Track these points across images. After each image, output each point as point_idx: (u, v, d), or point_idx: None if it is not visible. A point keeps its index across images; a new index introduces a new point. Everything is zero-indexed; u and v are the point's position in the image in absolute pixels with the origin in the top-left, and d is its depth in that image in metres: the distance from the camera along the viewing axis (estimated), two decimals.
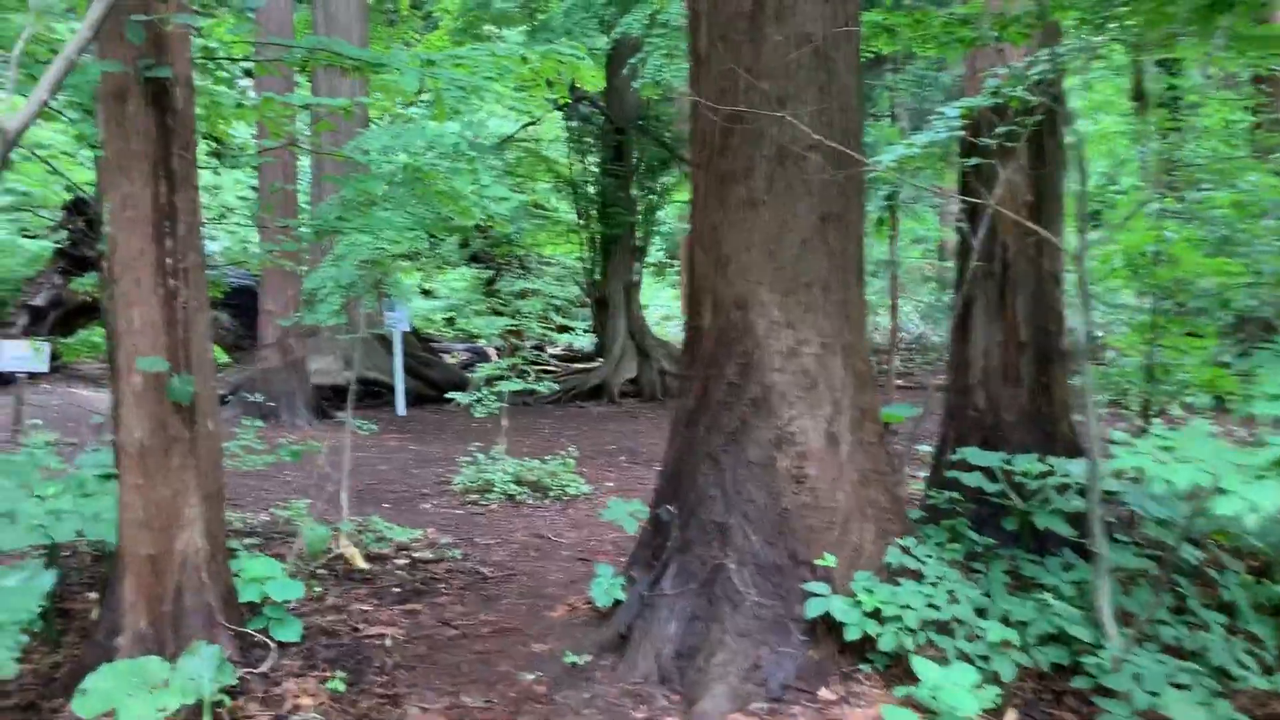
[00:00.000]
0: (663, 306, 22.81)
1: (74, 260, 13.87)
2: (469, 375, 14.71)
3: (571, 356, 19.13)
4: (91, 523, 4.01)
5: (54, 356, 13.13)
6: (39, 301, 13.38)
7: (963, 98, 4.54)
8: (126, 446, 3.47)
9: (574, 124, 15.68)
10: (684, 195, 16.35)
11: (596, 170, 15.14)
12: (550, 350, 19.43)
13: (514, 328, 8.61)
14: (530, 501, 7.44)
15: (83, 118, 4.89)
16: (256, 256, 16.18)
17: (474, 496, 7.57)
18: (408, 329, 13.58)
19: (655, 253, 23.05)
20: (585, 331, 21.26)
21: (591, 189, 15.26)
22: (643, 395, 14.88)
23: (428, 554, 5.65)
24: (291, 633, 3.94)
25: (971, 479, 4.18)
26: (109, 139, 3.42)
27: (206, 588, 3.52)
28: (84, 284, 13.09)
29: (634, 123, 15.05)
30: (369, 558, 5.46)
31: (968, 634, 3.49)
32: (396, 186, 11.71)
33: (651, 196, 15.42)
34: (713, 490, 3.72)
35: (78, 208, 13.47)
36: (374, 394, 14.74)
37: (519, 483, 7.79)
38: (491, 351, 17.95)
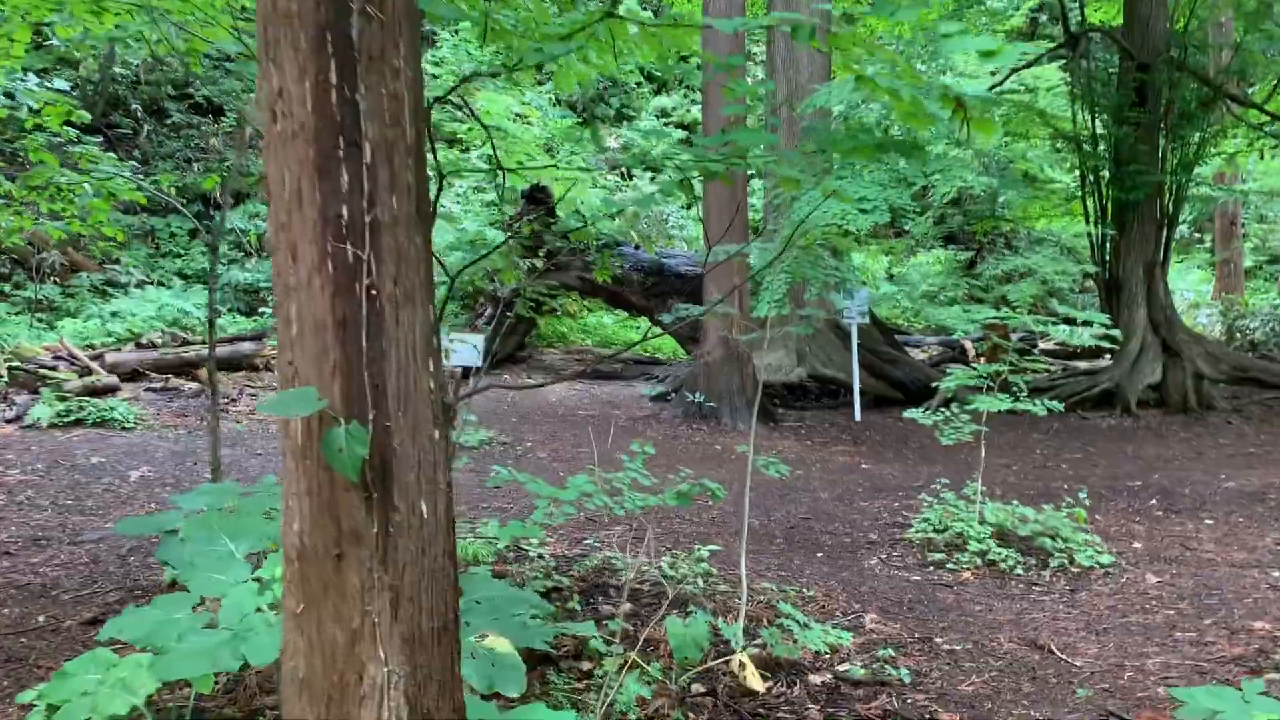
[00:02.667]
0: (1188, 291, 18.54)
1: (536, 251, 13.76)
2: (939, 376, 12.45)
3: (1069, 353, 15.95)
4: None
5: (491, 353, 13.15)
6: (504, 293, 13.38)
7: None
8: (285, 545, 1.96)
9: (1082, 64, 12.65)
10: (1228, 146, 12.61)
11: (1109, 121, 12.03)
12: (1041, 345, 16.40)
13: (997, 319, 6.34)
14: (1020, 573, 5.18)
15: None
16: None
17: (937, 555, 5.46)
18: (867, 320, 11.66)
19: (1180, 223, 18.84)
20: (1084, 323, 17.84)
21: (1102, 145, 12.18)
22: (1168, 406, 11.58)
23: (859, 670, 3.71)
24: None
25: None
26: None
27: None
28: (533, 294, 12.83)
29: (1163, 56, 11.73)
30: (769, 666, 3.66)
31: None
32: (856, 145, 9.72)
33: (1186, 149, 11.98)
34: None
35: (535, 196, 13.27)
36: (830, 393, 13.03)
37: (1002, 539, 5.56)
38: (968, 346, 15.43)
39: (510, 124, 20.57)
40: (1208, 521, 6.53)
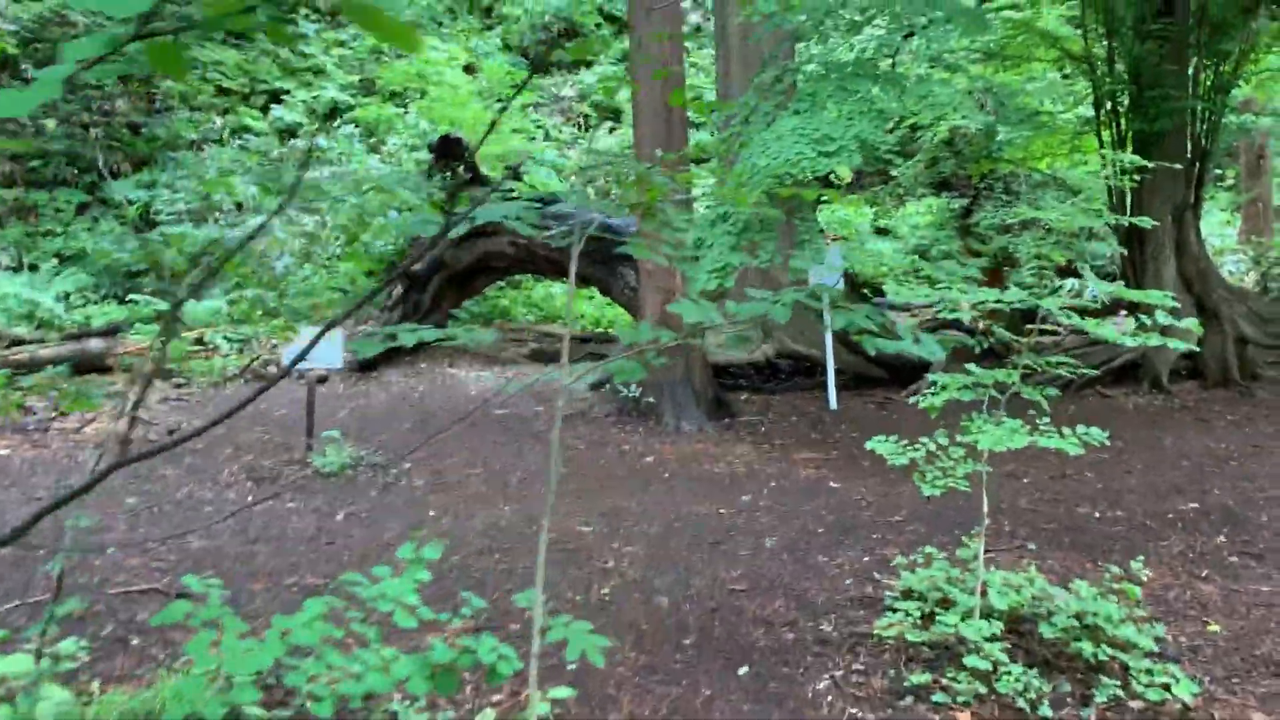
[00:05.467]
0: (1212, 236, 16.50)
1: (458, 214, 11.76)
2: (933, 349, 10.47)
3: (1079, 311, 13.95)
4: None
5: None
6: (418, 267, 11.38)
7: None
8: None
9: None
10: (1269, 62, 10.54)
11: (1128, 36, 9.94)
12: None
13: (1002, 304, 4.39)
14: (1047, 715, 3.27)
15: None
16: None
17: (919, 677, 3.54)
18: (841, 285, 9.68)
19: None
20: (1102, 276, 15.80)
21: (1120, 66, 10.12)
22: (1205, 378, 9.66)
23: None
24: None
25: None
26: None
27: None
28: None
29: None
30: None
31: None
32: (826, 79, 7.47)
33: (1222, 69, 9.93)
34: None
35: (446, 147, 11.23)
36: (805, 370, 11.09)
37: (1018, 638, 3.66)
38: (964, 305, 13.43)
39: (454, 75, 18.46)
40: None
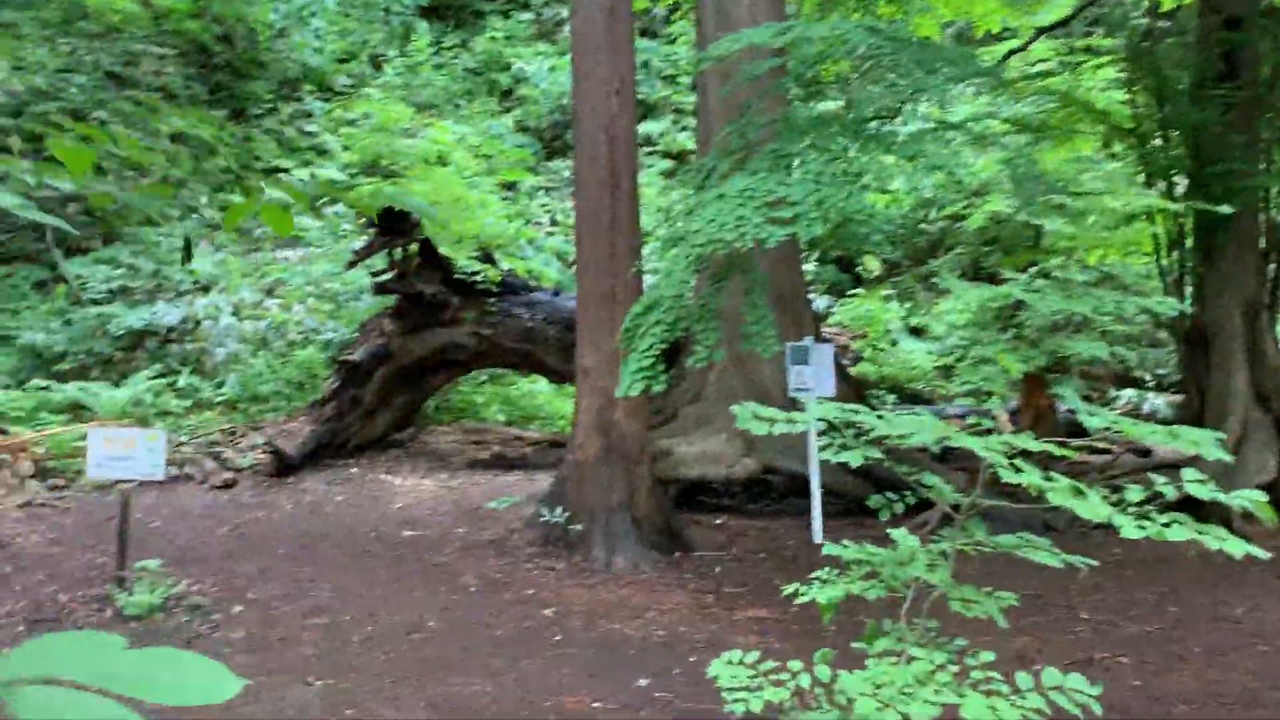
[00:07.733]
0: None
1: (409, 300, 10.39)
2: (945, 471, 8.70)
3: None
4: None
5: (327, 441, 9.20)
6: (357, 356, 10.00)
7: None
8: None
9: (1140, 31, 9.00)
10: None
11: (1184, 103, 8.30)
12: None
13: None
14: None
15: None
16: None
17: None
18: (831, 392, 8.02)
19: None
20: (1154, 386, 13.89)
21: (1175, 137, 8.47)
22: None
23: None
24: None
25: None
26: None
27: None
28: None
29: (1260, 7, 8.09)
30: None
31: None
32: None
33: None
34: None
35: (390, 221, 9.90)
36: (801, 488, 9.40)
37: None
38: (1002, 417, 11.65)
39: (459, 155, 17.47)
40: None
